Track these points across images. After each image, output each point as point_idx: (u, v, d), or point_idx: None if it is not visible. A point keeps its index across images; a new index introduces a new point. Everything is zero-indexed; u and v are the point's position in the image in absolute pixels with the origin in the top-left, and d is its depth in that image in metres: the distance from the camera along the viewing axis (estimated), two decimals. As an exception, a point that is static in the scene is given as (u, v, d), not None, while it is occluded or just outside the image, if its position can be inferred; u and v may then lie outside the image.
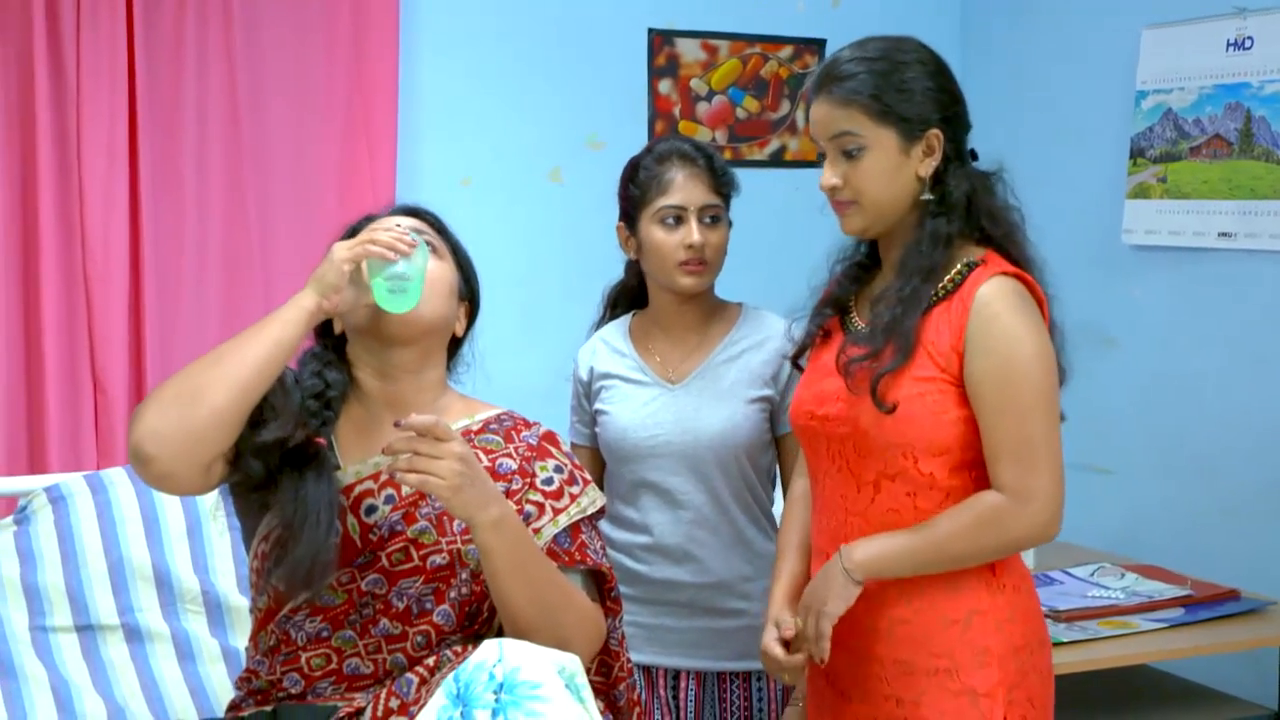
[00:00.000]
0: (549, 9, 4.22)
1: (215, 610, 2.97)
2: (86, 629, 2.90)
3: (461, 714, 1.93)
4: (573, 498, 2.35)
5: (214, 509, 2.98)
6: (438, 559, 2.25)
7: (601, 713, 2.31)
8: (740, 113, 4.41)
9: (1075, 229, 4.07)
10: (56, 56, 3.63)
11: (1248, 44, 3.65)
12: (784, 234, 3.99)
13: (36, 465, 3.64)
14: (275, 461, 2.22)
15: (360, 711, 2.18)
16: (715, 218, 2.88)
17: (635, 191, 2.93)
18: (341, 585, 2.24)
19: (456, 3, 4.12)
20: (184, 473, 2.11)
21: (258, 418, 2.18)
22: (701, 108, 4.36)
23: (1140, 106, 3.92)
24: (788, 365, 2.88)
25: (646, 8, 4.30)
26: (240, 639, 2.79)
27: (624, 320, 3.08)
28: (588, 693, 2.04)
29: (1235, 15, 3.67)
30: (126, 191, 3.71)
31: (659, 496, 2.92)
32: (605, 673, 2.41)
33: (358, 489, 2.28)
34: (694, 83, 4.34)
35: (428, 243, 2.34)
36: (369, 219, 2.41)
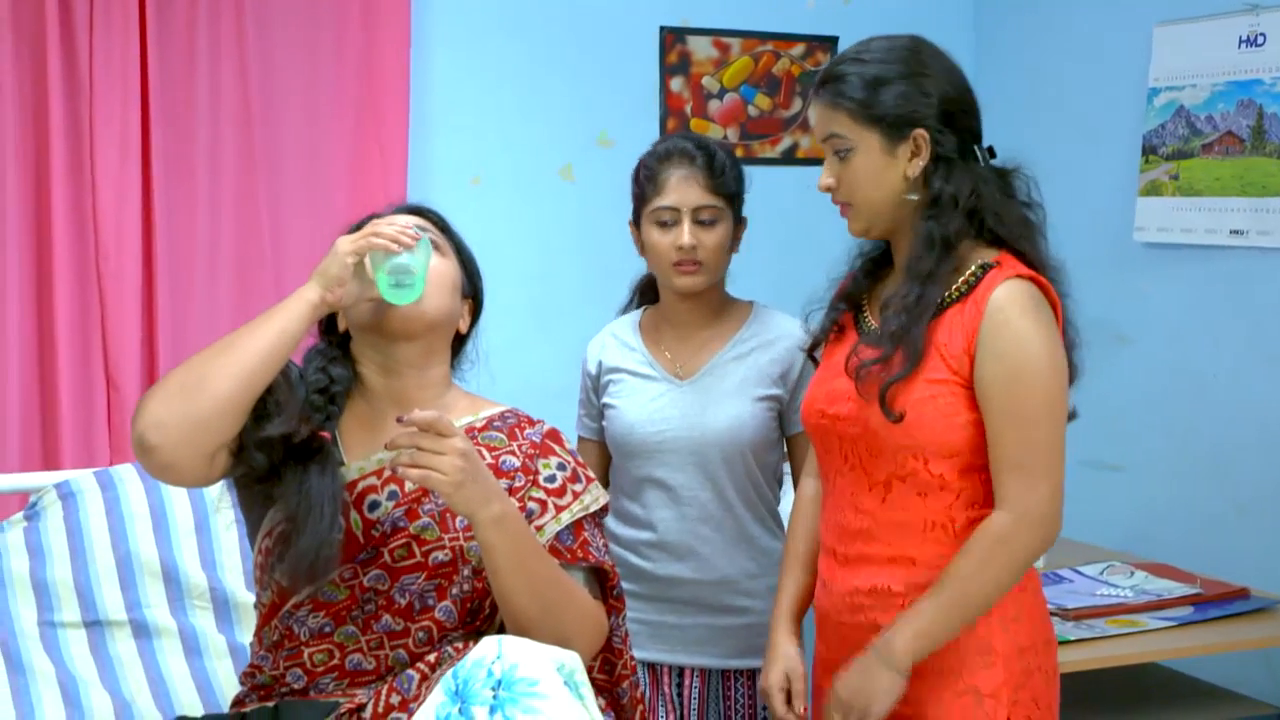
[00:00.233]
0: (560, 6, 4.22)
1: (222, 606, 2.98)
2: (94, 625, 2.91)
3: (460, 710, 1.93)
4: (575, 495, 2.36)
5: (219, 498, 2.99)
6: (440, 555, 2.26)
7: (603, 710, 2.33)
8: (752, 110, 4.41)
9: (1088, 226, 4.06)
10: (70, 53, 3.64)
11: (1260, 41, 3.63)
12: (795, 232, 4.00)
13: (50, 461, 3.66)
14: (279, 455, 2.24)
15: (361, 708, 2.19)
16: (711, 219, 2.86)
17: (638, 191, 2.94)
18: (344, 581, 2.25)
19: (468, 0, 4.13)
20: (187, 463, 2.13)
21: (261, 410, 2.19)
22: (713, 105, 4.36)
23: (1152, 104, 3.91)
24: (797, 366, 2.89)
25: (658, 5, 4.30)
26: (247, 635, 2.80)
27: (635, 315, 3.08)
28: (587, 690, 2.04)
29: (1248, 12, 3.66)
30: (139, 188, 3.72)
31: (664, 492, 2.92)
32: (609, 670, 2.42)
33: (361, 484, 2.29)
34: (706, 80, 4.34)
35: (431, 240, 2.35)
36: (373, 218, 2.42)
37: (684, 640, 2.92)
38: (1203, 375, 3.83)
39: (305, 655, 2.27)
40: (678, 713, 2.96)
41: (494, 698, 1.93)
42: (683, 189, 2.86)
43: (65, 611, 2.91)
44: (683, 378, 2.95)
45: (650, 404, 2.94)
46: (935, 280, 2.33)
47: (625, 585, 2.87)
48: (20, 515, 3.08)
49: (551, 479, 2.35)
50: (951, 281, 2.35)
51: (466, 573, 2.27)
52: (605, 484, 3.05)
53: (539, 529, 2.28)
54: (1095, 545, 3.80)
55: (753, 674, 2.96)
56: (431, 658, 2.21)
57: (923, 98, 2.35)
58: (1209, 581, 3.37)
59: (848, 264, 2.58)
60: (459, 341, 2.50)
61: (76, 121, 3.66)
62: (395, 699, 2.16)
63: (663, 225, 2.88)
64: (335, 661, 2.26)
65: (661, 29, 4.30)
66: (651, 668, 2.96)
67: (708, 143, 2.94)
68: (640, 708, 2.46)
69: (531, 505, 2.30)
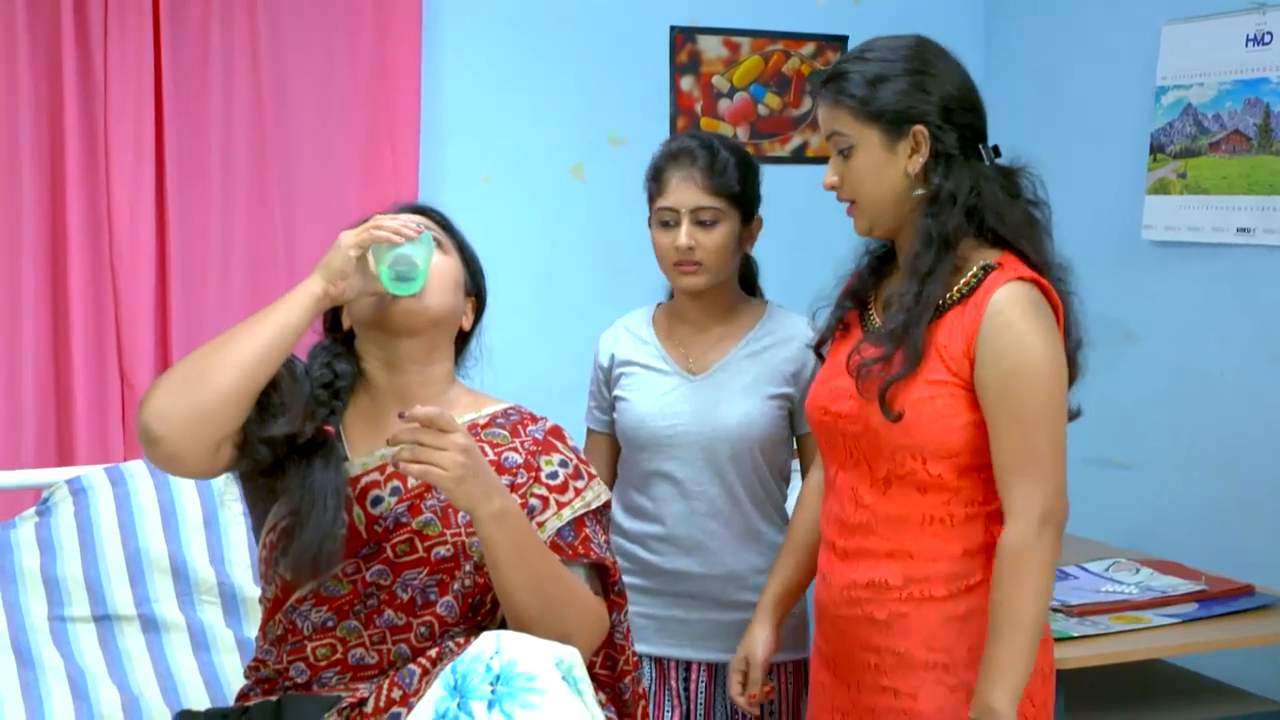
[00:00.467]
0: (571, 6, 4.23)
1: (230, 601, 3.00)
2: (104, 619, 2.94)
3: (458, 705, 1.95)
4: (577, 492, 2.37)
5: (223, 490, 3.02)
6: (442, 551, 2.28)
7: (603, 705, 2.34)
8: (762, 109, 4.42)
9: (1096, 225, 4.06)
10: (85, 54, 3.67)
11: (1267, 39, 3.64)
12: (805, 230, 4.00)
13: (65, 458, 3.69)
14: (283, 449, 2.26)
15: (363, 702, 2.20)
16: (711, 220, 2.87)
17: (647, 191, 2.96)
18: (346, 576, 2.27)
19: (479, 0, 4.15)
20: (191, 454, 2.15)
21: (266, 405, 2.22)
22: (723, 104, 4.37)
23: (1160, 102, 3.92)
24: (810, 366, 2.91)
25: (668, 5, 4.31)
26: (254, 630, 2.81)
27: (648, 308, 3.10)
28: (586, 685, 2.06)
29: (1255, 10, 3.66)
30: (153, 188, 3.75)
31: (673, 487, 2.94)
32: (610, 666, 2.44)
33: (364, 480, 2.31)
34: (716, 79, 4.36)
35: (434, 237, 2.38)
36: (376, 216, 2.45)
37: (691, 635, 2.93)
38: (1209, 373, 3.83)
39: (308, 649, 2.29)
40: (684, 707, 2.97)
41: (492, 693, 1.94)
42: (682, 190, 2.88)
43: (75, 606, 2.94)
44: (695, 373, 2.97)
45: (662, 398, 2.96)
46: (935, 278, 2.34)
47: (632, 579, 2.92)
48: (32, 511, 3.12)
49: (553, 475, 2.37)
50: (953, 282, 2.36)
51: (468, 568, 2.29)
52: (613, 477, 3.07)
53: (540, 525, 2.30)
54: (1102, 542, 3.81)
55: (760, 669, 2.99)
56: (433, 652, 2.23)
57: (923, 95, 2.36)
58: (1214, 578, 3.37)
59: (854, 262, 2.60)
60: (463, 339, 2.52)
61: (91, 122, 3.69)
62: (396, 693, 2.18)
63: (665, 225, 2.90)
64: (338, 656, 2.29)
65: (672, 28, 4.31)
66: (658, 662, 2.98)
67: (713, 142, 2.93)
68: (643, 703, 2.47)
69: (533, 502, 2.32)
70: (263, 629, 2.38)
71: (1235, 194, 3.71)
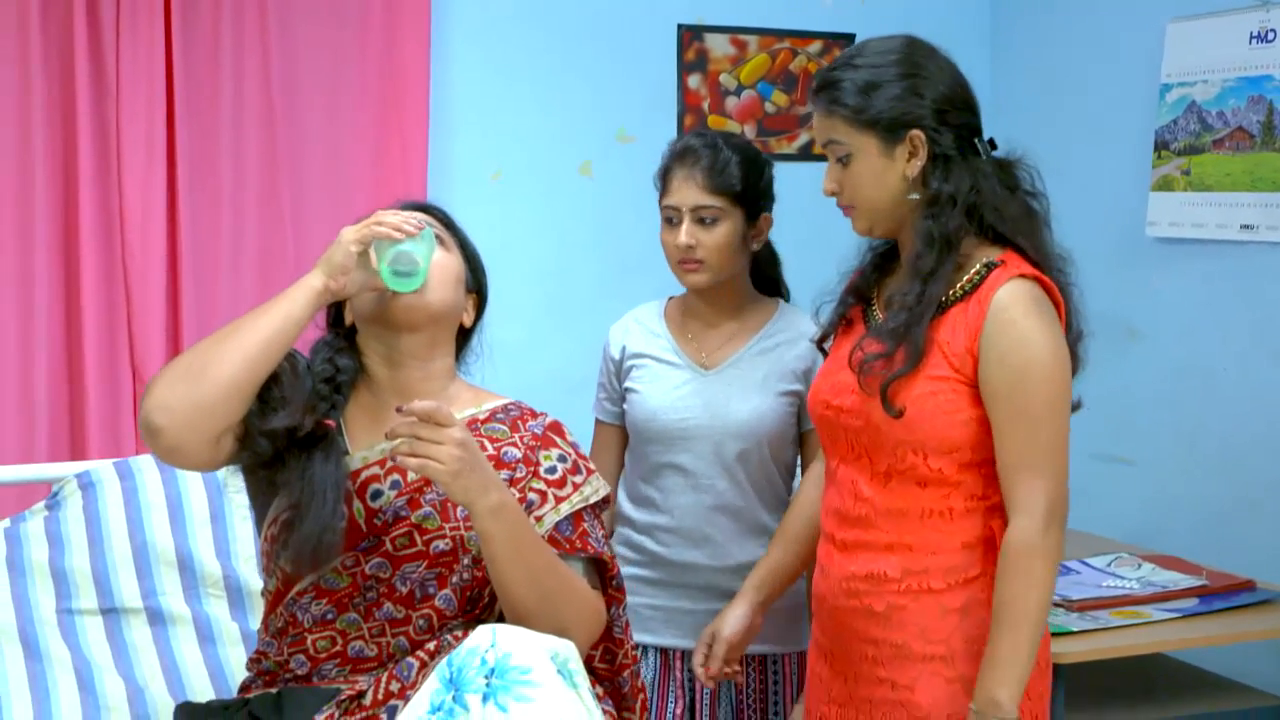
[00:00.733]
0: (579, 4, 4.25)
1: (236, 594, 3.03)
2: (111, 612, 2.96)
3: (453, 698, 1.98)
4: (575, 486, 2.40)
5: (227, 480, 3.05)
6: (441, 544, 2.31)
7: (601, 699, 2.36)
8: (769, 107, 4.44)
9: (1100, 221, 4.07)
10: (96, 54, 3.71)
11: (1271, 37, 3.64)
12: (812, 226, 4.00)
13: (77, 452, 3.73)
14: (284, 442, 2.28)
15: (361, 694, 2.23)
16: (712, 219, 2.89)
17: (656, 189, 3.00)
18: (346, 569, 2.30)
19: (488, -1, 4.18)
20: (192, 446, 2.18)
21: (267, 398, 2.24)
22: (730, 102, 4.39)
23: (1164, 99, 3.93)
24: (819, 364, 2.92)
25: (676, 3, 4.33)
26: (259, 623, 2.85)
27: (659, 302, 3.12)
28: (581, 678, 2.08)
29: (1259, 8, 3.66)
30: (164, 187, 3.79)
31: (682, 479, 2.97)
32: (610, 660, 2.45)
33: (364, 474, 2.33)
34: (723, 77, 4.38)
35: (435, 234, 2.40)
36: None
37: (696, 625, 2.93)
38: (1212, 370, 3.84)
39: (308, 642, 2.32)
40: (688, 698, 3.00)
41: (487, 685, 1.97)
42: (683, 189, 2.90)
43: (83, 599, 2.97)
44: (708, 368, 2.99)
45: (674, 391, 2.98)
46: (937, 278, 2.35)
47: (640, 570, 2.96)
48: (42, 505, 3.15)
49: (552, 470, 2.39)
50: (955, 280, 2.37)
51: (466, 562, 2.31)
52: (621, 468, 3.10)
53: (538, 520, 2.32)
54: (1105, 537, 3.83)
55: (764, 659, 3.02)
56: (431, 645, 2.26)
57: (916, 99, 2.37)
58: (1215, 573, 3.38)
59: (857, 258, 2.61)
60: (464, 335, 2.54)
61: (103, 123, 3.73)
62: (395, 686, 2.20)
63: (669, 223, 2.93)
64: (338, 648, 2.31)
65: (679, 26, 4.33)
66: (664, 652, 3.01)
67: (718, 141, 2.96)
68: (641, 696, 2.49)
69: (531, 496, 2.34)
70: (264, 622, 2.41)
71: (1239, 191, 3.72)
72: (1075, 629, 3.06)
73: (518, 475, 2.35)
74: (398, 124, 4.02)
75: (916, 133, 2.37)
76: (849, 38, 4.44)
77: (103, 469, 3.16)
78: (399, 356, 2.39)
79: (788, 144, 4.46)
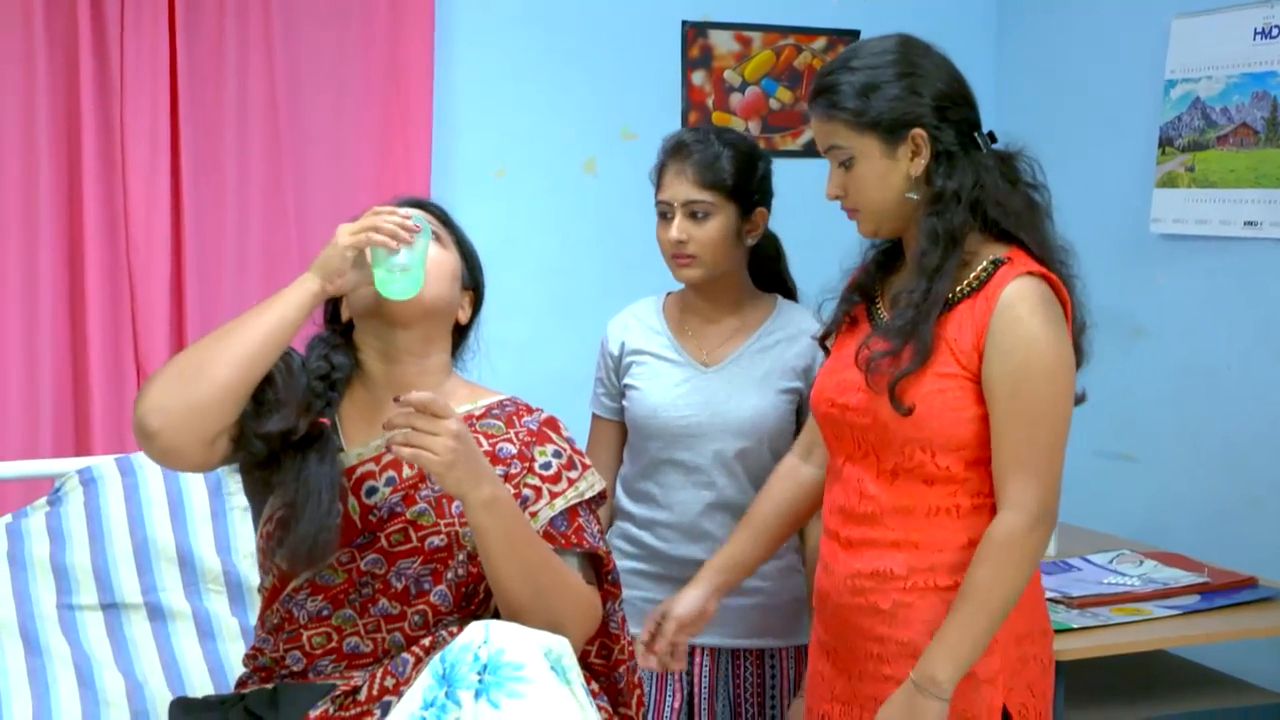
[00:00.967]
0: (583, 2, 4.26)
1: (236, 590, 3.04)
2: (111, 607, 2.97)
3: (446, 694, 1.98)
4: (570, 482, 2.39)
5: (226, 476, 3.06)
6: (436, 540, 2.31)
7: (596, 695, 2.36)
8: (773, 104, 4.44)
9: (1105, 218, 4.07)
10: (101, 50, 3.73)
11: (1275, 33, 3.64)
12: (817, 223, 4.01)
13: (81, 448, 3.75)
14: (278, 443, 2.29)
15: (356, 690, 2.23)
16: (703, 213, 2.89)
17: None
18: (341, 565, 2.30)
19: (492, -4, 4.19)
20: (187, 448, 2.18)
21: (261, 398, 2.25)
22: (735, 99, 4.39)
23: (1169, 96, 3.92)
24: (819, 361, 2.93)
25: (680, 0, 4.34)
26: (258, 618, 2.88)
27: (658, 297, 3.13)
28: (575, 674, 2.08)
29: (1263, 4, 3.66)
30: (168, 183, 3.80)
31: (682, 475, 2.97)
32: (605, 655, 2.45)
33: (359, 470, 2.33)
34: (727, 74, 4.38)
35: (431, 230, 2.40)
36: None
37: None
38: (1216, 367, 3.83)
39: (304, 638, 2.32)
40: (686, 692, 3.00)
41: (479, 682, 1.97)
42: (675, 184, 2.91)
43: (83, 594, 2.98)
44: (708, 365, 2.99)
45: (674, 389, 2.98)
46: (943, 275, 2.35)
47: (638, 564, 2.96)
48: (44, 500, 3.16)
49: (547, 466, 2.39)
50: (962, 277, 2.37)
51: (461, 558, 2.31)
52: (619, 463, 3.11)
53: (533, 515, 2.32)
54: (1108, 534, 3.83)
55: (762, 654, 3.02)
56: (426, 641, 2.26)
57: (915, 97, 2.37)
58: (1217, 570, 3.38)
59: (860, 255, 2.61)
60: (461, 332, 2.53)
61: (108, 119, 3.75)
62: (389, 682, 2.21)
63: (663, 218, 2.94)
64: (333, 644, 2.32)
65: (683, 23, 4.34)
66: (661, 647, 3.01)
67: (710, 135, 2.96)
68: (638, 692, 2.49)
69: (526, 492, 2.34)
70: (260, 618, 2.41)
71: (1243, 187, 3.72)
72: (1075, 626, 3.06)
73: (513, 471, 2.35)
74: (401, 121, 4.03)
75: (918, 131, 2.36)
76: (853, 34, 4.44)
77: (104, 465, 3.17)
78: (395, 353, 2.39)
79: (792, 140, 4.46)
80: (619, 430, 3.10)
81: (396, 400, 2.14)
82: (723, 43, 4.38)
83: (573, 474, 2.41)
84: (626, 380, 3.05)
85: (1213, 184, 3.79)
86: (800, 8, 4.46)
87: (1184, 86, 3.88)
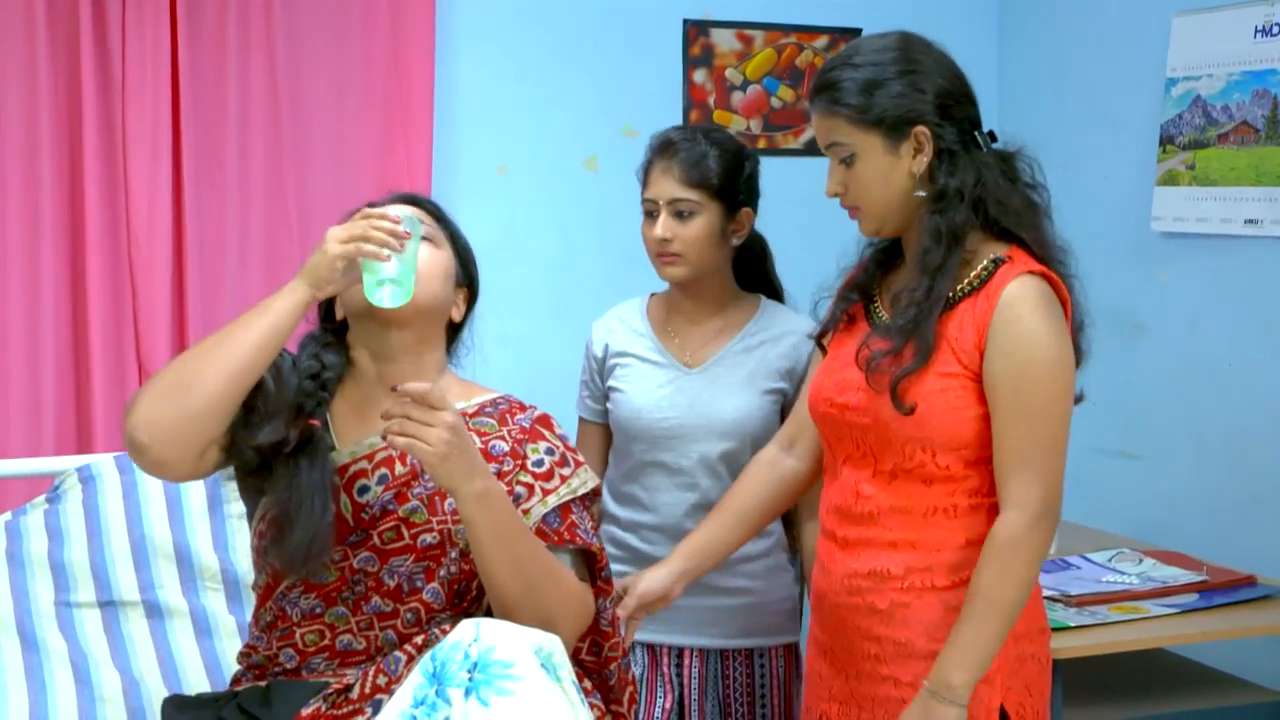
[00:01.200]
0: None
1: (233, 587, 3.05)
2: (109, 604, 2.99)
3: (436, 692, 1.98)
4: (563, 479, 2.40)
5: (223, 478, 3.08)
6: (428, 538, 2.31)
7: (587, 692, 2.37)
8: (775, 102, 4.44)
9: (1106, 216, 4.07)
10: (102, 50, 3.74)
11: (1275, 31, 3.63)
12: (819, 221, 4.01)
13: (83, 447, 3.76)
14: (269, 452, 2.29)
15: (349, 688, 2.24)
16: (688, 212, 2.89)
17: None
18: (334, 563, 2.31)
19: (493, -6, 4.19)
20: (177, 461, 2.19)
21: (251, 403, 2.25)
22: (736, 97, 4.39)
23: (1170, 94, 3.92)
24: (803, 361, 2.93)
25: (682, -2, 4.35)
26: (254, 616, 2.89)
27: (641, 298, 3.13)
28: (566, 672, 2.08)
29: (1263, 1, 3.65)
30: (170, 182, 3.81)
31: (666, 477, 2.97)
32: (596, 652, 2.45)
33: (352, 469, 2.34)
34: (729, 72, 4.38)
35: (424, 235, 2.39)
36: (370, 205, 2.46)
37: (682, 621, 2.94)
38: (1218, 364, 3.83)
39: (297, 635, 2.33)
40: (677, 693, 3.00)
41: (469, 680, 1.98)
42: (660, 182, 2.91)
43: (81, 592, 2.99)
44: (691, 366, 2.99)
45: (657, 390, 2.98)
46: (945, 273, 2.35)
47: (625, 567, 2.93)
48: (43, 498, 3.18)
49: (539, 463, 2.39)
50: (963, 275, 2.37)
51: (454, 555, 2.32)
52: (605, 466, 3.10)
53: (526, 512, 2.32)
54: (1110, 533, 3.83)
55: (751, 654, 3.02)
56: (419, 639, 2.27)
57: (918, 94, 2.36)
58: (1216, 569, 3.38)
59: (857, 254, 2.61)
60: (456, 329, 2.53)
61: (109, 118, 3.76)
62: (381, 680, 2.22)
63: (648, 216, 2.94)
64: (326, 642, 2.32)
65: (685, 21, 4.34)
66: (650, 648, 3.01)
67: (697, 134, 2.96)
68: (630, 689, 2.49)
69: (519, 489, 2.34)
70: (254, 615, 2.42)
71: (1243, 185, 3.71)
72: (1073, 624, 3.06)
73: (505, 468, 2.35)
74: (403, 118, 4.04)
75: (921, 129, 2.36)
76: (855, 32, 4.44)
77: (103, 463, 3.19)
78: (388, 352, 2.40)
79: (794, 139, 4.46)
80: (605, 433, 3.11)
81: (393, 390, 2.14)
82: (724, 41, 4.38)
83: (565, 471, 2.41)
84: (610, 382, 3.05)
85: (1213, 182, 3.79)
86: (802, 6, 4.46)
87: (1185, 84, 3.87)
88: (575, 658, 2.39)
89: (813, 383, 2.58)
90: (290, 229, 3.93)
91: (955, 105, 2.39)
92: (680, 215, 2.89)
